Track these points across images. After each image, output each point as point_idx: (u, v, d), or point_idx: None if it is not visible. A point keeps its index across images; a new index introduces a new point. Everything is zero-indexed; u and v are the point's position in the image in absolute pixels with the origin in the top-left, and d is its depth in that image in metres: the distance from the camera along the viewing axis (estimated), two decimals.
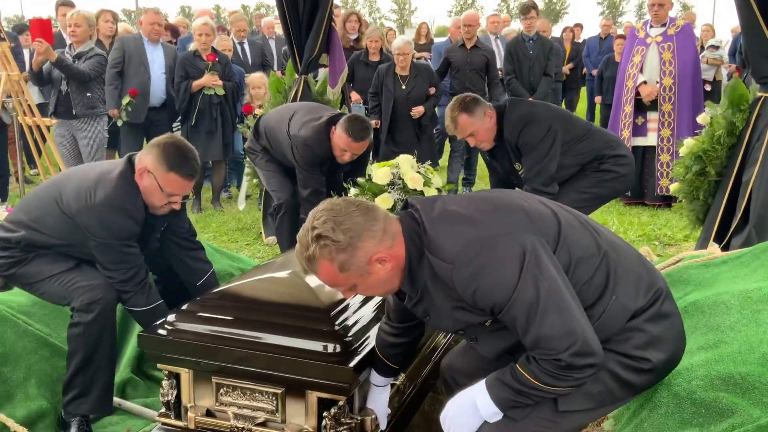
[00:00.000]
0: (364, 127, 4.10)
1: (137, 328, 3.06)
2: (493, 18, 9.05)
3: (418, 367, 2.65)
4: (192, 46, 6.54)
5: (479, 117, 3.77)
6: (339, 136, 4.11)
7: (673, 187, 4.71)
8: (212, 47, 6.41)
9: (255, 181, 5.89)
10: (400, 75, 6.45)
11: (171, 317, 2.38)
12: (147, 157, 2.68)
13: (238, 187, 7.03)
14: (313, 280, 2.31)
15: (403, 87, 6.43)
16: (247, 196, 6.76)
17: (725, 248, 3.95)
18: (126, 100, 6.13)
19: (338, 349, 2.13)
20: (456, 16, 7.42)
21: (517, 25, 7.99)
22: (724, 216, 4.23)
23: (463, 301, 1.81)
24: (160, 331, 2.33)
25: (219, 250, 3.93)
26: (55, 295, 2.85)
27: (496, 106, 3.91)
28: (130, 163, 2.75)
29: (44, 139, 5.50)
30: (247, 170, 6.06)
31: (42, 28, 5.34)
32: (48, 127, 5.59)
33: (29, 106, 5.42)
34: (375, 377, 2.23)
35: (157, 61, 6.39)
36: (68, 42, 5.85)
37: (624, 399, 1.99)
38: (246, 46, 7.73)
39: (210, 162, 6.73)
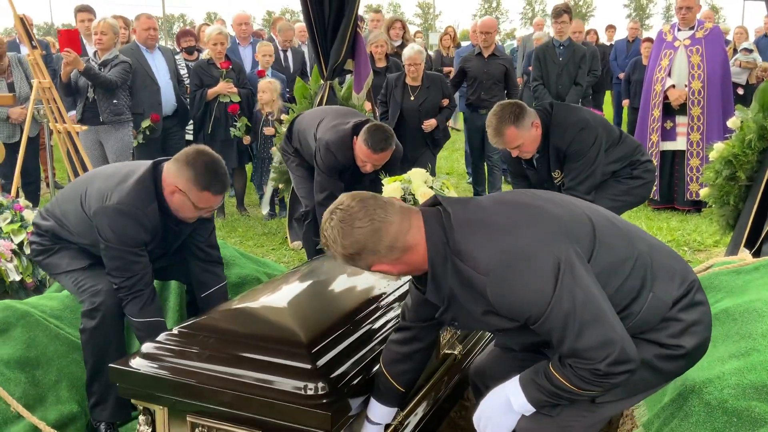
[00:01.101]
0: (385, 138, 4.00)
1: None
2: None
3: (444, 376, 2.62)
4: (205, 54, 6.57)
5: (527, 128, 3.53)
6: (359, 147, 4.06)
7: (703, 192, 4.65)
8: (226, 54, 6.46)
9: (281, 186, 5.92)
10: (411, 86, 6.10)
11: (144, 348, 2.22)
12: (179, 178, 2.61)
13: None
14: (298, 312, 2.22)
15: (412, 98, 6.07)
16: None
17: (756, 254, 3.88)
18: (146, 123, 6.07)
19: (319, 391, 1.93)
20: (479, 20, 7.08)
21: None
22: (755, 221, 4.16)
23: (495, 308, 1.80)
24: (132, 363, 2.18)
25: (245, 254, 3.96)
26: (70, 291, 2.92)
27: (538, 111, 3.70)
28: (155, 169, 2.72)
29: (75, 146, 5.58)
30: (272, 175, 6.08)
31: (70, 38, 5.42)
32: (77, 133, 5.69)
33: (60, 112, 5.51)
34: (374, 410, 2.11)
35: (160, 68, 6.29)
36: (91, 49, 5.92)
37: (656, 386, 1.99)
38: (289, 54, 7.72)
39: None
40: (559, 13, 7.01)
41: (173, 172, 2.64)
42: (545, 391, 1.83)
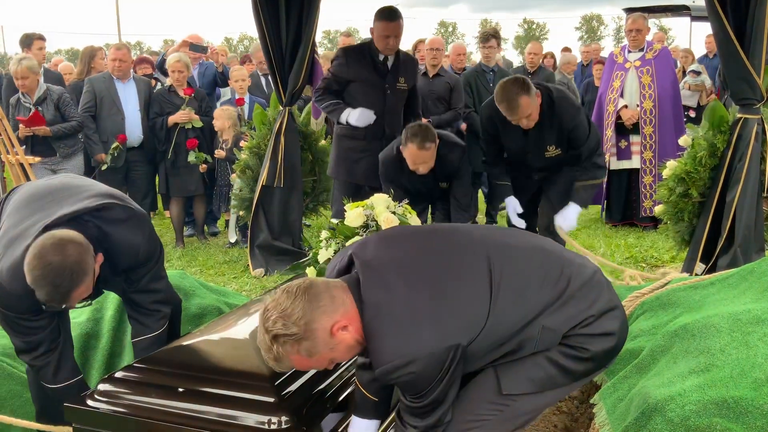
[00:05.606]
0: (424, 134, 4.10)
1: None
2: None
3: None
4: (168, 81, 6.52)
5: (534, 97, 3.80)
6: (405, 150, 4.17)
7: (658, 209, 4.75)
8: (188, 81, 6.44)
9: (242, 213, 5.86)
10: None
11: (100, 386, 2.17)
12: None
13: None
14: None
15: None
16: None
17: (712, 269, 3.96)
18: (114, 145, 6.02)
19: (283, 425, 1.90)
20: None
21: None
22: (709, 236, 4.25)
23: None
24: (90, 403, 2.11)
25: (205, 284, 3.88)
26: None
27: (536, 86, 3.95)
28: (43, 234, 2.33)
29: (27, 177, 5.45)
30: (233, 202, 6.02)
31: (34, 120, 5.59)
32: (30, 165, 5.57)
33: (12, 143, 5.39)
34: (354, 425, 2.12)
35: (130, 99, 6.21)
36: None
37: (564, 385, 2.06)
38: (270, 79, 7.62)
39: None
40: (486, 38, 6.91)
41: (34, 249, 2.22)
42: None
